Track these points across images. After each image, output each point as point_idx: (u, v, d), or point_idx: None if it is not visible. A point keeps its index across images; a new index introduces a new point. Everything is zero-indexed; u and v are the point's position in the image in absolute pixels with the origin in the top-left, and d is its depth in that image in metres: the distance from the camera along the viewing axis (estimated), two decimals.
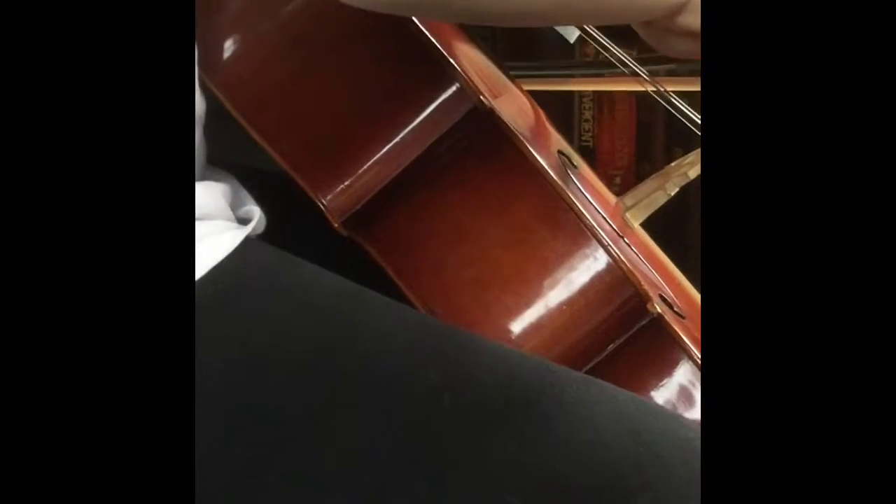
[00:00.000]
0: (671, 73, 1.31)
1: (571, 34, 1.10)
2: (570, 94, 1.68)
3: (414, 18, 0.86)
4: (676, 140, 1.68)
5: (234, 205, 0.88)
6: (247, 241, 0.81)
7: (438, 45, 0.88)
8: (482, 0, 0.78)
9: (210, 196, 0.85)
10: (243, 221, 0.85)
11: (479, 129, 0.89)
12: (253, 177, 0.91)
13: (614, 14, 0.89)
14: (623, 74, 1.16)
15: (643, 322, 0.90)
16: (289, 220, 0.88)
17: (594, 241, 0.90)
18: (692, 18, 0.85)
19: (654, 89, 1.17)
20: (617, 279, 0.90)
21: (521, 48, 1.51)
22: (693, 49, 0.89)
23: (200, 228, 0.81)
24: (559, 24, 0.92)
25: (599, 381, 0.84)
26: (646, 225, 1.04)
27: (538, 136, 0.99)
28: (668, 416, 0.83)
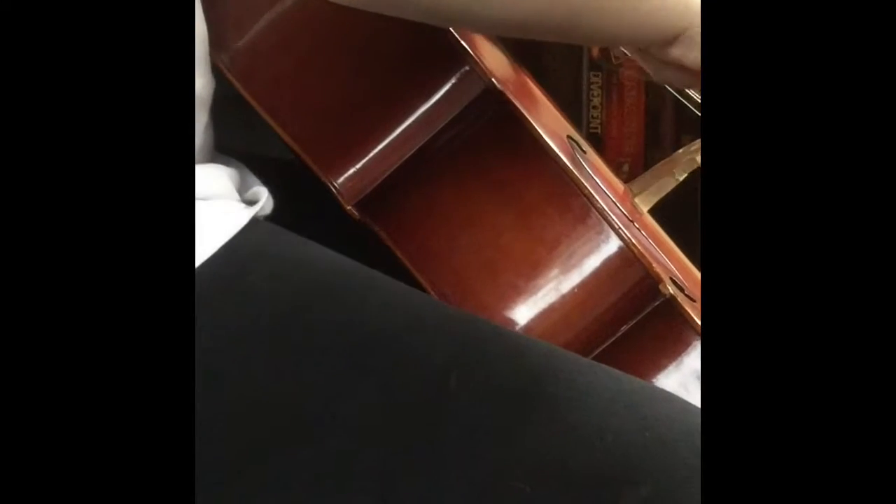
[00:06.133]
0: None
1: None
2: (578, 81, 1.68)
3: None
4: (685, 127, 1.68)
5: (242, 188, 0.88)
6: (254, 222, 0.82)
7: (451, 28, 0.88)
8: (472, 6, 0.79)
9: (216, 178, 0.85)
10: (250, 203, 0.85)
11: (490, 111, 0.89)
12: (263, 165, 0.91)
13: (607, 37, 0.91)
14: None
15: (655, 304, 0.90)
16: (299, 209, 0.88)
17: (605, 225, 0.90)
18: (682, 51, 0.87)
19: None
20: (628, 261, 0.90)
21: None
22: (684, 81, 0.92)
23: (207, 209, 0.81)
24: (547, 39, 0.93)
25: (606, 366, 0.84)
26: (655, 210, 1.05)
27: (546, 121, 0.99)
28: (675, 402, 0.83)
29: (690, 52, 0.87)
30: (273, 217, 0.87)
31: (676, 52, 0.87)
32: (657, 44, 0.87)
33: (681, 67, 0.89)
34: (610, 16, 0.83)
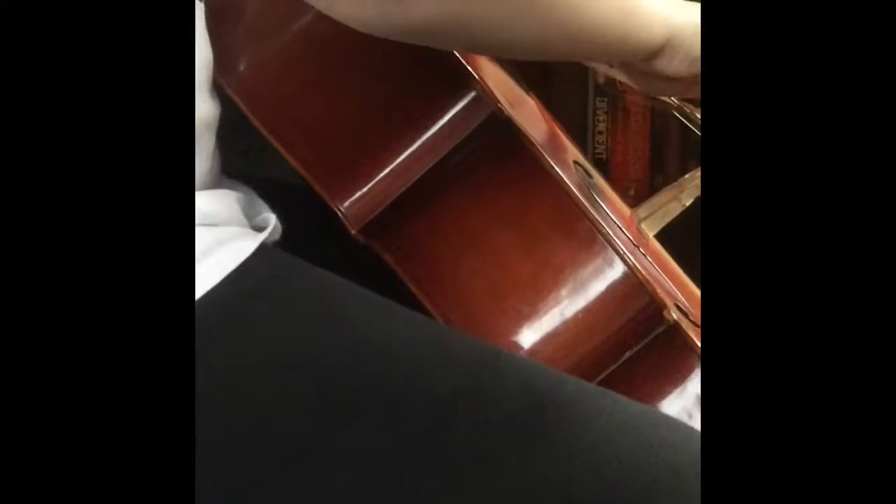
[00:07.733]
0: None
1: None
2: (584, 107, 1.68)
3: None
4: (691, 152, 1.68)
5: (250, 213, 0.88)
6: (262, 248, 0.82)
7: (457, 53, 0.88)
8: (478, 34, 0.80)
9: (224, 203, 0.85)
10: (258, 229, 0.86)
11: (496, 137, 0.89)
12: (270, 188, 0.92)
13: (593, 55, 0.95)
14: None
15: (659, 330, 0.90)
16: (306, 232, 0.88)
17: (610, 250, 0.91)
18: (664, 63, 0.89)
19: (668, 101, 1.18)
20: (633, 287, 0.90)
21: None
22: (669, 90, 0.96)
23: (216, 235, 0.81)
24: (542, 59, 0.96)
25: (613, 393, 0.84)
26: (661, 236, 1.05)
27: (553, 146, 1.00)
28: (681, 429, 0.83)
29: (671, 64, 0.89)
30: (280, 241, 0.87)
31: (659, 65, 0.89)
32: (640, 58, 0.89)
33: (664, 77, 0.91)
34: (599, 37, 0.85)
